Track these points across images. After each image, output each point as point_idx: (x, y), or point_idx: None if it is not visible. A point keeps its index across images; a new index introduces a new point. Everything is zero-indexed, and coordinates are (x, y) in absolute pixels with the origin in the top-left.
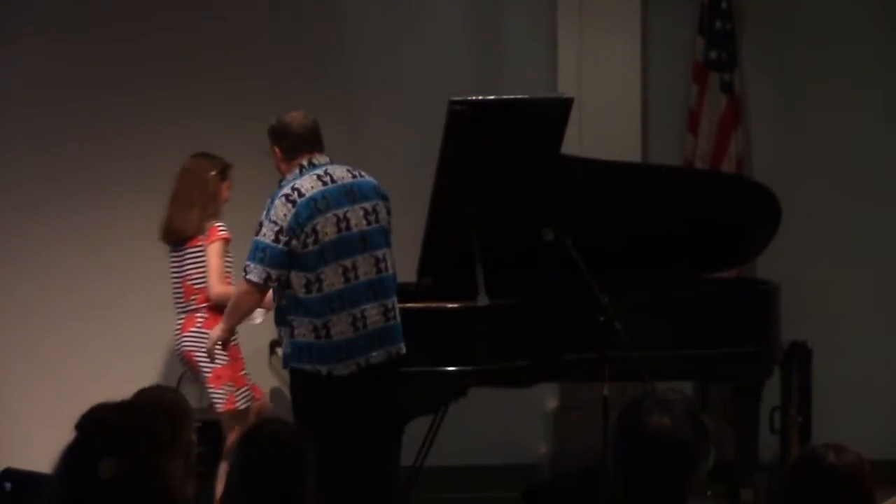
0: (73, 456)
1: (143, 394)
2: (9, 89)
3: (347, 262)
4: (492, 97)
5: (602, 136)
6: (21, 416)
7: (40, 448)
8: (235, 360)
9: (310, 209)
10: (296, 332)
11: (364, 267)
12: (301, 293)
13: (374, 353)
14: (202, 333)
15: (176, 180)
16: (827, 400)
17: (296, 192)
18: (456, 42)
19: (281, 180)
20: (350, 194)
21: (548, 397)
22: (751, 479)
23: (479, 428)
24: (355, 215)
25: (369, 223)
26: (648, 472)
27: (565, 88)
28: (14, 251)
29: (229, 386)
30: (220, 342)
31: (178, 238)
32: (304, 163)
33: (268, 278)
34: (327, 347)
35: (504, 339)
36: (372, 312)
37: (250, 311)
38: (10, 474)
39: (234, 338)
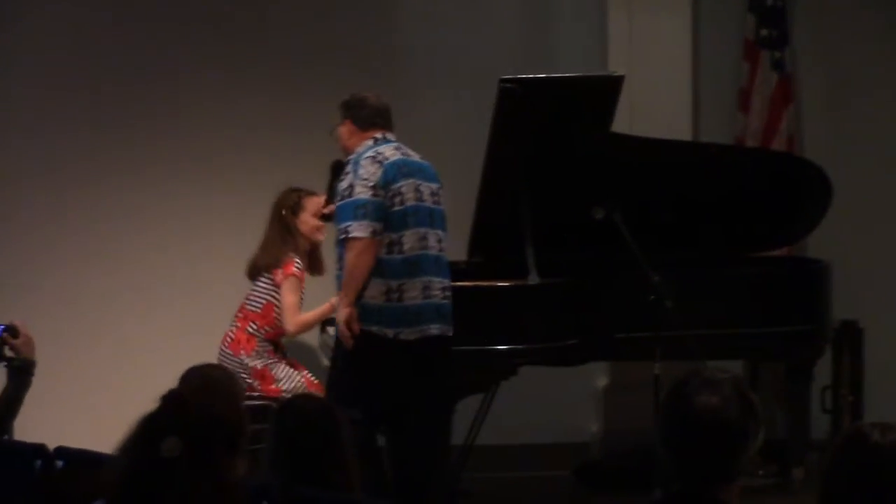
0: (145, 426)
1: (193, 372)
2: (55, 72)
3: (421, 231)
4: (542, 75)
5: (652, 114)
6: (60, 397)
7: (82, 429)
8: (265, 378)
9: (395, 170)
10: (365, 293)
11: (431, 241)
12: (383, 253)
13: (434, 326)
14: (223, 349)
15: None
16: (878, 379)
17: (380, 155)
18: (506, 21)
19: (346, 157)
20: (421, 171)
21: (598, 376)
22: (802, 458)
23: (529, 406)
24: (426, 191)
25: (434, 203)
26: (697, 451)
27: (616, 66)
28: (53, 234)
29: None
30: (348, 320)
31: (252, 272)
32: (378, 136)
33: (374, 231)
34: (397, 311)
35: (554, 318)
36: (436, 285)
37: (366, 273)
38: (63, 452)
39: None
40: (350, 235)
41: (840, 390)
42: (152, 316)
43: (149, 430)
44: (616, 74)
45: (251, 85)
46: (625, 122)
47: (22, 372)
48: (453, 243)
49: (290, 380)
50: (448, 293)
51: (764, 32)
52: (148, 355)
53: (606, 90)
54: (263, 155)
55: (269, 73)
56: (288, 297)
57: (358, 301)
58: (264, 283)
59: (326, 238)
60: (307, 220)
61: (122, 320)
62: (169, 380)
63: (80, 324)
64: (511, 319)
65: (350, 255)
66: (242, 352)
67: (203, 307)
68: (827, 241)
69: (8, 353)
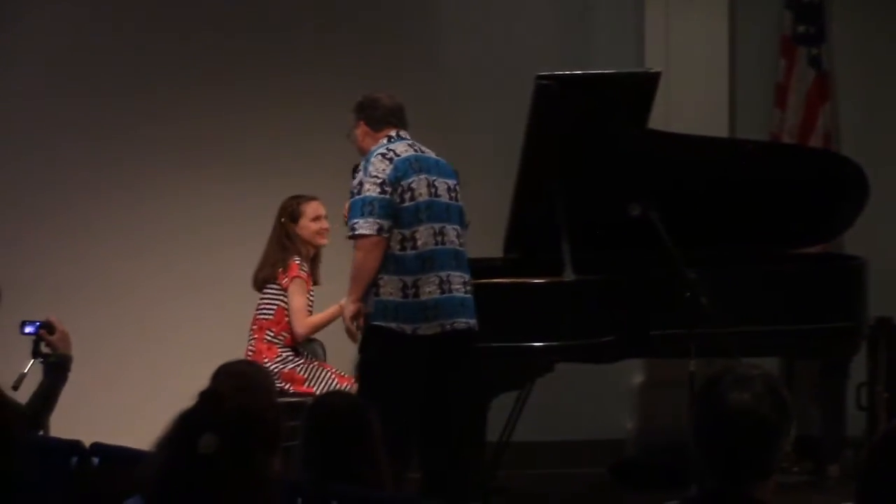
0: (184, 421)
1: (226, 368)
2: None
3: (437, 226)
4: (579, 72)
5: (689, 110)
6: (96, 393)
7: (118, 425)
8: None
9: (406, 166)
10: (381, 290)
11: (449, 235)
12: (396, 249)
13: (458, 320)
14: None
15: None
16: None
17: (391, 152)
18: (543, 17)
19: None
20: (437, 167)
21: (634, 373)
22: (837, 455)
23: (565, 403)
24: (442, 186)
25: (451, 199)
26: (730, 449)
27: (652, 63)
28: (86, 232)
29: None
30: (354, 316)
31: (257, 283)
32: (392, 134)
33: (380, 229)
34: (414, 307)
35: (590, 315)
36: (456, 279)
37: (375, 269)
38: (99, 448)
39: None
40: (356, 233)
41: (875, 387)
42: (192, 312)
43: (186, 428)
44: (653, 71)
45: (293, 93)
46: (661, 118)
47: (58, 367)
48: (491, 240)
49: (321, 378)
50: (469, 287)
51: (801, 29)
52: (185, 352)
53: (643, 87)
54: (291, 158)
55: (312, 78)
56: (295, 299)
57: (376, 299)
58: (272, 290)
59: (328, 248)
60: (307, 225)
61: (161, 316)
62: (207, 376)
63: (118, 320)
64: (547, 316)
65: (357, 253)
66: (266, 360)
67: (242, 301)
68: (863, 238)
69: (44, 349)
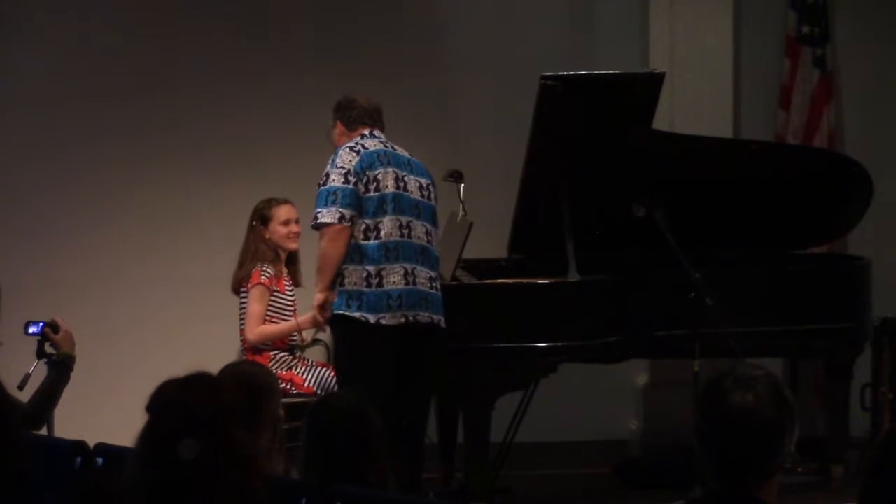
0: (150, 439)
1: (226, 368)
2: (91, 76)
3: (403, 220)
4: (583, 73)
5: (693, 111)
6: (101, 394)
7: (122, 426)
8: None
9: (372, 158)
10: (346, 280)
11: (417, 231)
12: (360, 239)
13: (421, 313)
14: None
15: None
16: None
17: (359, 146)
18: (547, 17)
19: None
20: (408, 165)
21: (638, 373)
22: (842, 456)
23: (569, 404)
24: (412, 183)
25: (423, 196)
26: (734, 450)
27: (657, 63)
28: (109, 233)
29: None
30: (322, 305)
31: (234, 286)
32: (366, 132)
33: (342, 217)
34: (378, 296)
35: (594, 316)
36: (421, 274)
37: (339, 257)
38: (103, 449)
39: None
40: (319, 221)
41: (880, 388)
42: (196, 313)
43: (155, 442)
44: (657, 71)
45: (297, 90)
46: (665, 119)
47: (61, 366)
48: (494, 240)
49: (320, 378)
50: (437, 284)
51: (805, 29)
52: (190, 353)
53: (647, 87)
54: (297, 160)
55: (314, 75)
56: (252, 305)
57: (341, 289)
58: (244, 298)
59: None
60: (277, 228)
61: (165, 318)
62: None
63: (122, 321)
64: (551, 317)
65: (322, 241)
66: None
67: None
68: (867, 238)
69: (49, 349)
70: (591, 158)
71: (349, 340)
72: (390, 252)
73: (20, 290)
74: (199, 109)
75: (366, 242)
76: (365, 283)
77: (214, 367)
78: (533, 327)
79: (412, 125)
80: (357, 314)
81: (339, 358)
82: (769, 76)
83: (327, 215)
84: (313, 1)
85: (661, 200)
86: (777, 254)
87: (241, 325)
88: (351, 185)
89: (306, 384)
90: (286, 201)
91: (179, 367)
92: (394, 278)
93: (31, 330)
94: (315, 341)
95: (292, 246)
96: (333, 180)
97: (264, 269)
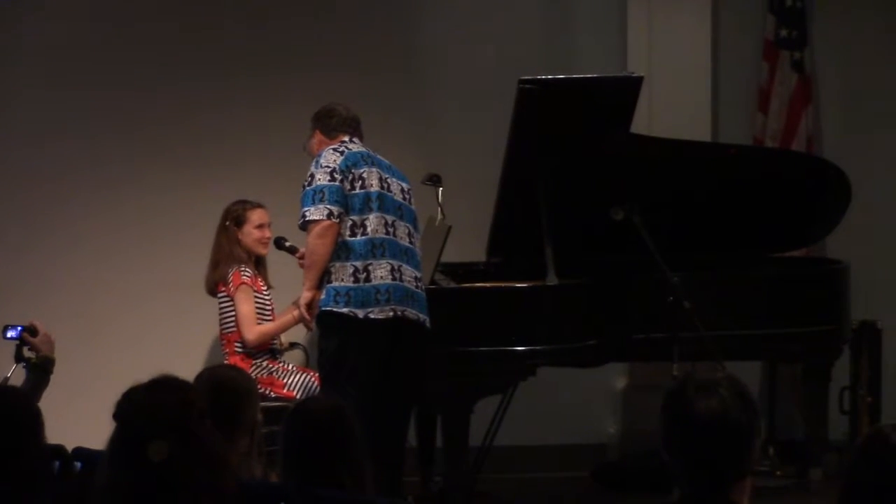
0: (120, 445)
1: (203, 373)
2: (87, 70)
3: (389, 218)
4: (561, 76)
5: (672, 114)
6: (78, 397)
7: (101, 430)
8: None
9: (356, 158)
10: (333, 277)
11: (401, 231)
12: (346, 235)
13: (408, 309)
14: None
15: None
16: None
17: (343, 146)
18: (525, 21)
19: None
20: (389, 169)
21: (617, 377)
22: (820, 459)
23: (547, 407)
24: (394, 185)
25: (404, 199)
26: (704, 456)
27: (635, 67)
28: (84, 231)
29: None
30: (309, 304)
31: (208, 287)
32: (345, 139)
33: (330, 214)
34: (366, 291)
35: (573, 319)
36: (407, 271)
37: (328, 254)
38: (81, 453)
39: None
40: (307, 219)
41: (858, 391)
42: (173, 315)
43: (125, 447)
44: (635, 75)
45: (279, 92)
46: (644, 122)
47: (40, 369)
48: (473, 244)
49: (300, 383)
50: (421, 285)
51: (783, 33)
52: (168, 355)
53: (626, 91)
54: (278, 161)
55: (296, 79)
56: (242, 307)
57: (328, 286)
58: (223, 301)
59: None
60: (250, 231)
61: (143, 319)
62: (190, 379)
63: (99, 323)
64: (529, 320)
65: (309, 238)
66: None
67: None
68: (846, 242)
69: (27, 353)
70: (569, 162)
71: (337, 336)
72: (377, 248)
73: None
74: (176, 109)
75: (352, 239)
76: (352, 279)
77: (191, 367)
78: (512, 331)
79: (390, 128)
80: (345, 310)
81: (324, 354)
82: (747, 79)
83: (315, 213)
84: (289, 9)
85: (639, 204)
86: (755, 257)
87: (226, 327)
88: (337, 183)
89: (286, 389)
90: (260, 205)
91: (157, 370)
92: (381, 273)
93: (10, 334)
94: (292, 345)
95: (263, 251)
96: (319, 179)
97: (243, 269)
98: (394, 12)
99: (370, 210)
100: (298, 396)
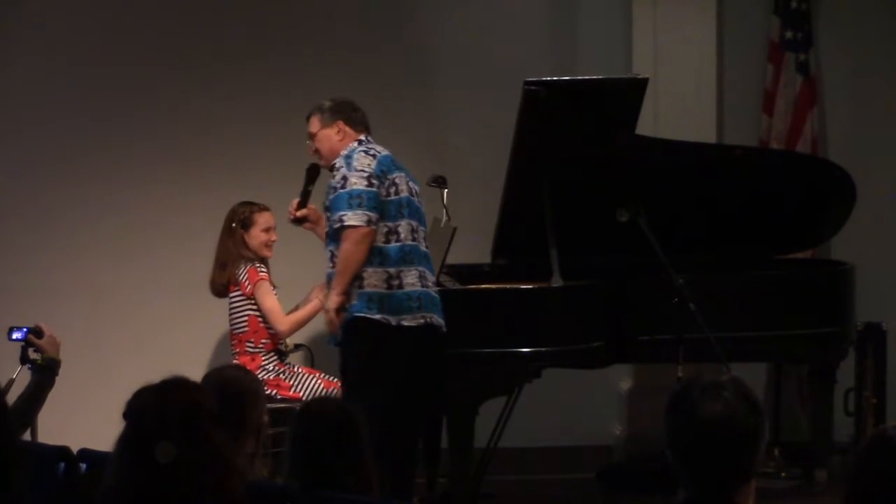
0: (128, 444)
1: (211, 373)
2: (93, 74)
3: (414, 224)
4: (567, 78)
5: (677, 116)
6: (84, 399)
7: (107, 432)
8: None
9: (388, 162)
10: (365, 282)
11: (421, 235)
12: (380, 242)
13: (434, 315)
14: None
15: None
16: None
17: (373, 149)
18: (530, 23)
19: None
20: (408, 172)
21: (622, 378)
22: (825, 461)
23: (553, 409)
24: (415, 188)
25: (419, 203)
26: (710, 460)
27: (640, 69)
28: (91, 237)
29: None
30: (339, 308)
31: (216, 289)
32: (363, 138)
33: (369, 220)
34: (399, 297)
35: (578, 321)
36: (429, 277)
37: (362, 261)
38: (87, 455)
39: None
40: (345, 224)
41: (863, 392)
42: (179, 317)
43: (133, 447)
44: (640, 77)
45: (279, 83)
46: (649, 124)
47: (46, 370)
48: (479, 246)
49: (306, 384)
50: (436, 290)
51: (788, 35)
52: (174, 358)
53: (631, 92)
54: (277, 166)
55: (296, 71)
56: (266, 301)
57: (360, 291)
58: (237, 300)
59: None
60: (257, 234)
61: (148, 322)
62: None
63: (105, 326)
64: (534, 322)
65: (345, 244)
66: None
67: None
68: (851, 243)
69: (33, 355)
70: (574, 164)
71: (368, 342)
72: (406, 255)
73: (2, 295)
74: (179, 116)
75: (387, 245)
76: (386, 286)
77: (197, 369)
78: (517, 332)
79: (395, 129)
80: (378, 316)
81: (351, 360)
82: (752, 81)
83: (353, 218)
84: (290, 8)
85: (644, 205)
86: (761, 258)
87: (237, 327)
88: (374, 189)
89: (292, 391)
90: (267, 208)
91: (162, 371)
92: (411, 279)
93: (15, 336)
94: (297, 346)
95: (268, 254)
96: (355, 183)
97: (258, 266)
98: (398, 13)
99: (402, 216)
100: (304, 398)
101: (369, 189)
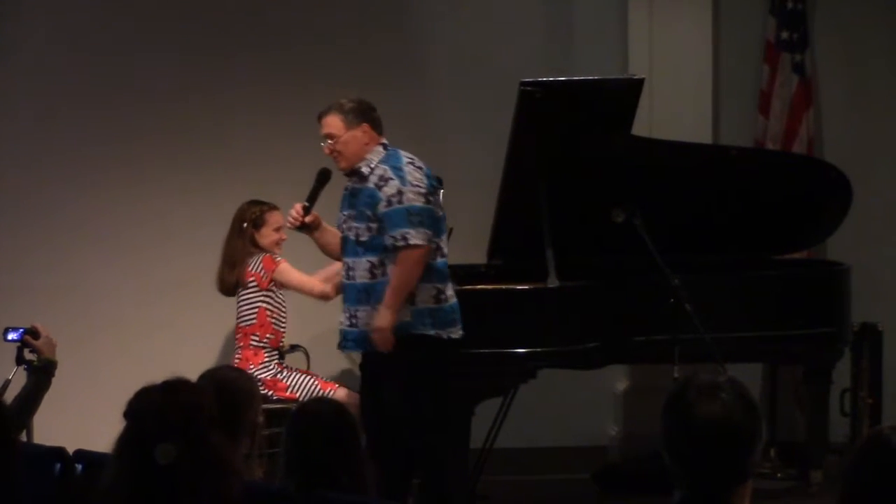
0: (128, 444)
1: (206, 374)
2: (92, 71)
3: (444, 237)
4: (562, 78)
5: (673, 116)
6: (80, 400)
7: (102, 432)
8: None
9: (431, 178)
10: (417, 299)
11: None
12: (430, 258)
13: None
14: None
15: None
16: None
17: (416, 161)
18: (526, 24)
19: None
20: None
21: (618, 379)
22: (821, 461)
23: (548, 410)
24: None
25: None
26: (706, 460)
27: (636, 69)
28: (84, 237)
29: None
30: (388, 325)
31: (225, 288)
32: (384, 141)
33: (429, 239)
34: (446, 311)
35: (574, 321)
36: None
37: (417, 280)
38: (82, 455)
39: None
40: (410, 243)
41: (859, 393)
42: (174, 317)
43: (133, 447)
44: (636, 77)
45: (277, 85)
46: (645, 123)
47: (42, 371)
48: (474, 246)
49: (303, 385)
50: None
51: (784, 35)
52: (168, 358)
53: (627, 93)
54: (270, 163)
55: (287, 74)
56: (293, 277)
57: (413, 308)
58: (248, 293)
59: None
60: (269, 234)
61: (143, 322)
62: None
63: (99, 326)
64: (530, 322)
65: (407, 263)
66: (252, 366)
67: (223, 304)
68: (847, 244)
69: (28, 355)
70: (570, 164)
71: (432, 360)
72: (447, 269)
73: None
74: (173, 115)
75: (433, 261)
76: (434, 301)
77: (191, 369)
78: (512, 333)
79: (391, 131)
80: (432, 332)
81: (423, 379)
82: (748, 82)
83: (417, 237)
84: (291, 7)
85: (640, 206)
86: (756, 259)
87: (244, 320)
88: (431, 206)
89: (289, 391)
90: (276, 207)
91: (159, 371)
92: (450, 292)
93: (11, 336)
94: (293, 347)
95: (279, 252)
96: (413, 199)
97: (272, 254)
98: (395, 15)
99: (443, 231)
100: (301, 399)
101: (427, 206)
